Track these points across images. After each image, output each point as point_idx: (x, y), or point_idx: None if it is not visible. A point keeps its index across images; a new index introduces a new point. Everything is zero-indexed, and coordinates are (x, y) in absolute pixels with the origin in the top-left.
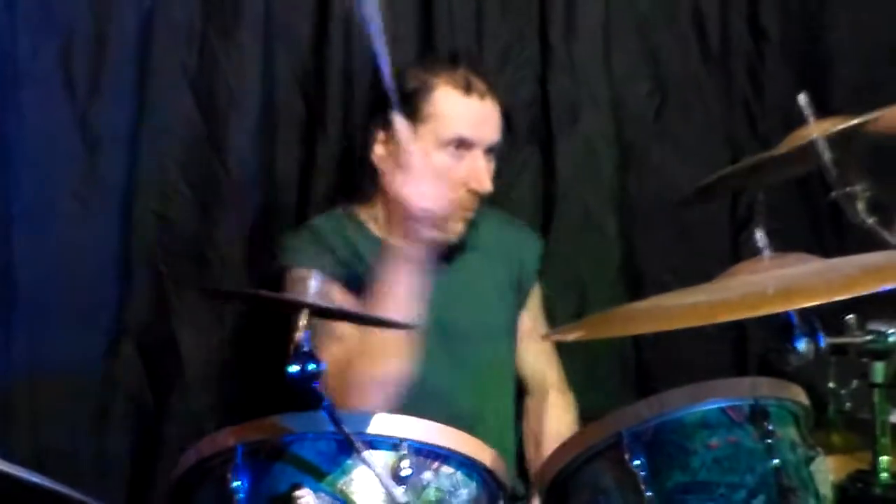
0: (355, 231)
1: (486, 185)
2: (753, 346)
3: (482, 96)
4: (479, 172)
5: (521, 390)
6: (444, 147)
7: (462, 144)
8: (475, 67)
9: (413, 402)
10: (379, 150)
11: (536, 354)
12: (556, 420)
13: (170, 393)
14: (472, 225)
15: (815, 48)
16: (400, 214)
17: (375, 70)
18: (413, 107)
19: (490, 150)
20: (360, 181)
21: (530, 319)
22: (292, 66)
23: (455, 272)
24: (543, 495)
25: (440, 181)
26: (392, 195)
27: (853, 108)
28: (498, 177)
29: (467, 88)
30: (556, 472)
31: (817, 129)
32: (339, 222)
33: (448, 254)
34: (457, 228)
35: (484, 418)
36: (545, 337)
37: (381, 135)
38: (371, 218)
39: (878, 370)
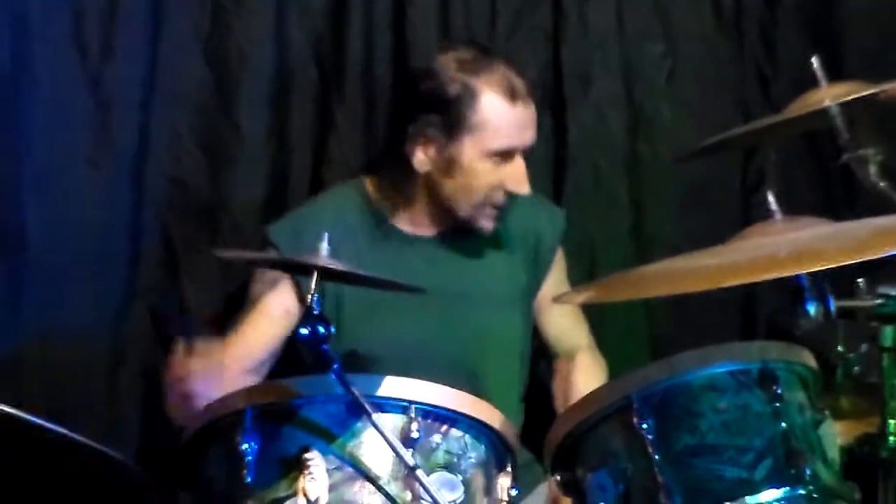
0: (360, 209)
1: (526, 189)
2: (763, 309)
3: (526, 101)
4: (519, 177)
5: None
6: (490, 157)
7: (507, 153)
8: (510, 63)
9: (421, 366)
10: (420, 156)
11: (562, 318)
12: (586, 379)
13: None
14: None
15: (829, 12)
16: (434, 208)
17: (397, 54)
18: (456, 115)
19: (528, 150)
20: (385, 165)
21: (554, 288)
22: (306, 31)
23: (467, 242)
24: (552, 457)
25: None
26: (436, 194)
27: (866, 72)
28: None
29: (513, 95)
30: (565, 434)
31: (829, 94)
32: (343, 201)
33: (467, 239)
34: (490, 225)
35: (490, 384)
36: (556, 299)
37: (421, 139)
38: (387, 201)
39: (888, 334)
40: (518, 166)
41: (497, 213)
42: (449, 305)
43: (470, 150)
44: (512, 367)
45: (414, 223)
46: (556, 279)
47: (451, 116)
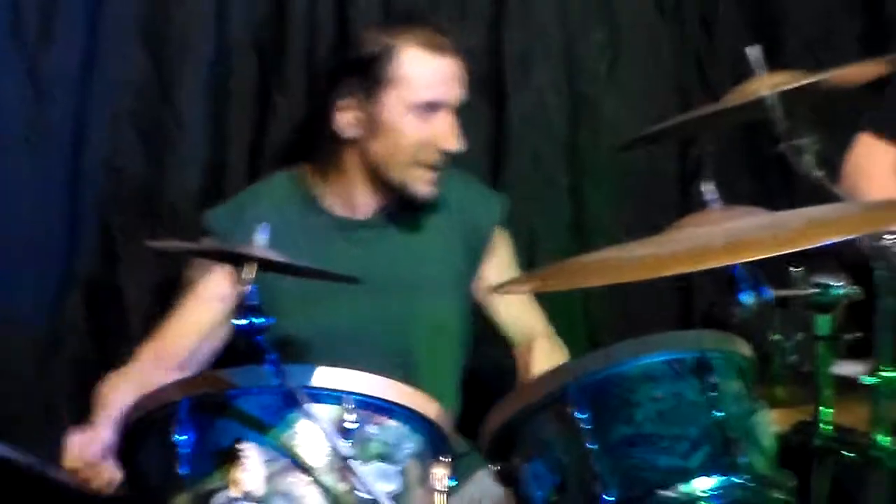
0: (295, 196)
1: (457, 144)
2: (700, 299)
3: (449, 54)
4: (447, 132)
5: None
6: (414, 110)
7: (431, 106)
8: (435, 24)
9: (356, 354)
10: (345, 119)
11: (512, 305)
12: (544, 365)
13: (114, 345)
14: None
15: (770, 1)
16: (368, 181)
17: (339, 41)
18: (376, 72)
19: (456, 109)
20: (318, 147)
21: (497, 273)
22: (246, 16)
23: (404, 226)
24: (487, 448)
25: (411, 145)
26: (367, 161)
27: (806, 60)
28: None
29: (433, 48)
30: (501, 424)
31: (767, 83)
32: (279, 189)
33: (404, 216)
34: (427, 190)
35: (426, 372)
36: (496, 290)
37: (345, 103)
38: (322, 186)
39: (822, 323)
40: (446, 122)
41: (433, 177)
42: (385, 292)
43: (393, 106)
44: (449, 354)
45: (350, 205)
46: (499, 264)
47: (372, 74)
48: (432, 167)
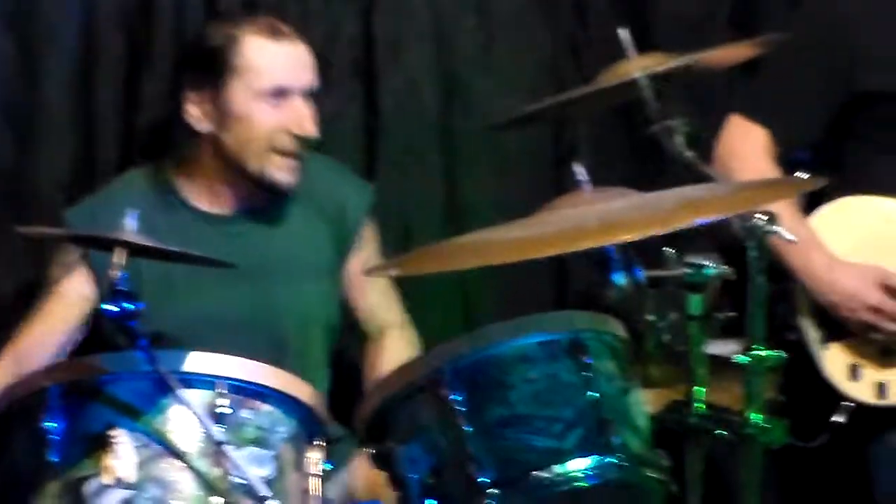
0: (155, 192)
1: (310, 129)
2: (575, 280)
3: (291, 40)
4: (300, 118)
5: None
6: (262, 97)
7: (279, 92)
8: (276, 13)
9: (226, 342)
10: (195, 113)
11: (371, 295)
12: (395, 356)
13: None
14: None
15: None
16: (226, 174)
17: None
18: (221, 62)
19: (309, 95)
20: (176, 142)
21: (362, 262)
22: (114, 4)
23: (271, 216)
24: (363, 432)
25: (263, 133)
26: (222, 154)
27: (676, 42)
28: (320, 116)
29: (275, 34)
30: (376, 407)
31: (638, 64)
32: (135, 187)
33: (267, 208)
34: (286, 177)
35: (296, 359)
36: (369, 272)
37: (194, 96)
38: (183, 181)
39: (695, 302)
40: (298, 107)
41: (291, 164)
42: (253, 280)
43: (240, 95)
44: (319, 340)
45: (213, 199)
46: (366, 254)
47: (217, 65)
48: (289, 154)
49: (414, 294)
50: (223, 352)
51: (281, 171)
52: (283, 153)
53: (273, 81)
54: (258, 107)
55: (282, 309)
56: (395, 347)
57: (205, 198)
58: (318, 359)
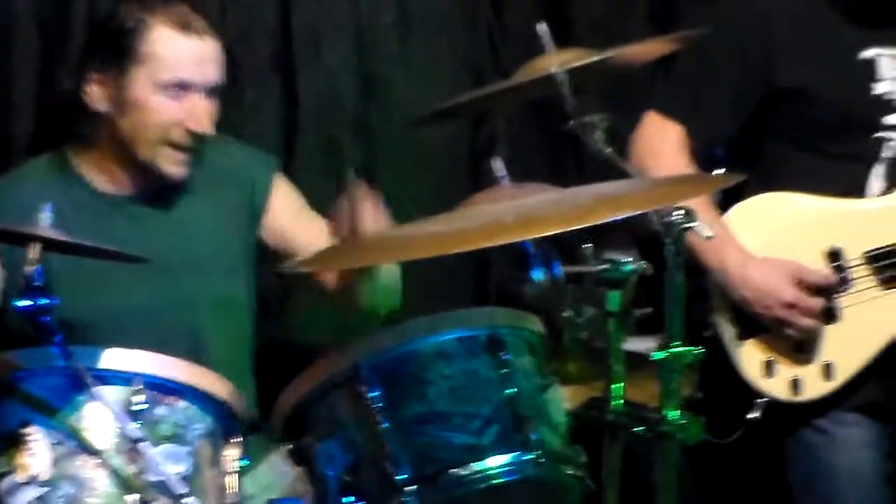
0: (60, 177)
1: (205, 126)
2: (494, 276)
3: (201, 35)
4: (198, 114)
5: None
6: (162, 89)
7: (180, 86)
8: (192, 4)
9: (138, 337)
10: (94, 92)
11: (308, 231)
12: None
13: None
14: (197, 161)
15: None
16: (121, 157)
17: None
18: (127, 47)
19: (212, 91)
20: (79, 122)
21: (287, 208)
22: None
23: (180, 208)
24: (281, 428)
25: (159, 124)
26: (116, 137)
27: (595, 38)
28: (235, 110)
29: (185, 27)
30: (292, 404)
31: (556, 59)
32: (38, 172)
33: (168, 192)
34: (176, 170)
35: (217, 350)
36: (286, 266)
37: (95, 76)
38: (85, 163)
39: (613, 299)
40: (197, 103)
41: (182, 158)
42: (165, 271)
43: (141, 83)
44: (235, 331)
45: (113, 182)
46: (285, 200)
47: (122, 49)
48: (181, 147)
49: None
50: (134, 343)
51: (170, 163)
52: (175, 146)
53: (175, 74)
54: (157, 97)
55: (195, 300)
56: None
57: (106, 179)
58: (237, 351)
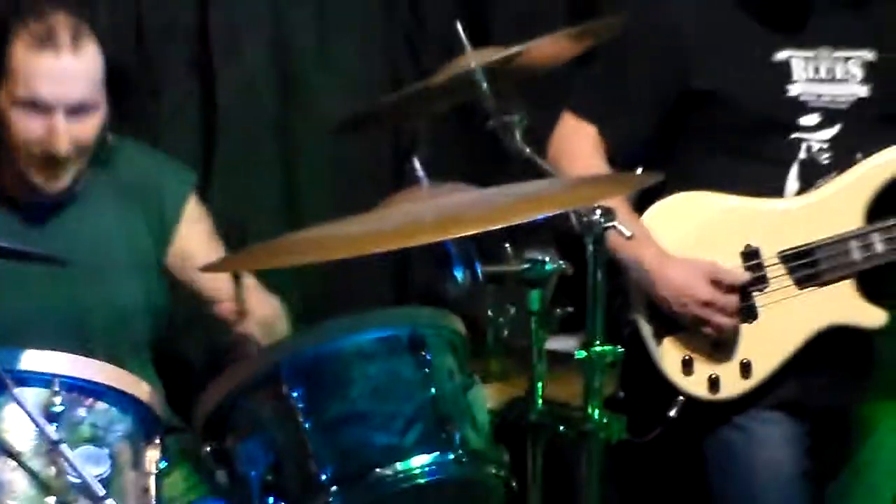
0: None
1: (60, 150)
2: (416, 276)
3: (60, 52)
4: (52, 134)
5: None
6: (20, 105)
7: (36, 105)
8: (77, 14)
9: (39, 340)
10: None
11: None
12: (262, 300)
13: None
14: (105, 168)
15: None
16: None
17: None
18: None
19: (78, 109)
20: None
21: (196, 243)
22: None
23: (78, 207)
24: (201, 429)
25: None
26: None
27: (513, 37)
28: (154, 113)
29: (44, 43)
30: (213, 404)
31: (474, 59)
32: None
33: (61, 201)
34: (47, 184)
35: (126, 353)
36: (203, 269)
37: None
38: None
39: (534, 298)
40: (53, 123)
41: (54, 173)
42: (67, 275)
43: (4, 97)
44: (136, 335)
45: (18, 186)
46: (197, 233)
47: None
48: (47, 163)
49: None
50: (45, 348)
51: (41, 177)
52: (40, 162)
53: (28, 92)
54: (16, 113)
55: (91, 304)
56: (256, 295)
57: (13, 184)
58: (138, 356)
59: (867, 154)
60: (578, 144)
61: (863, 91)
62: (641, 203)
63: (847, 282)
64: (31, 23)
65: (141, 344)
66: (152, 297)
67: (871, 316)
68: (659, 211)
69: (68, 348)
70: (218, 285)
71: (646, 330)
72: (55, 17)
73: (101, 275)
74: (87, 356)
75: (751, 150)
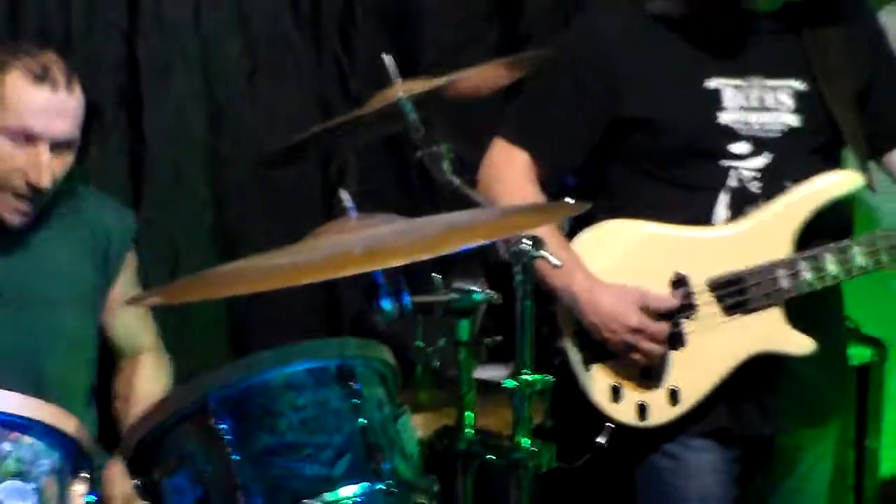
0: None
1: (43, 182)
2: (347, 307)
3: (56, 88)
4: (40, 166)
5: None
6: (6, 135)
7: (26, 135)
8: (63, 55)
9: (4, 372)
10: None
11: (129, 320)
12: (149, 382)
13: None
14: (57, 205)
15: (406, 9)
16: None
17: None
18: None
19: (61, 145)
20: None
21: (122, 288)
22: None
23: (31, 245)
24: (128, 462)
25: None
26: None
27: (442, 67)
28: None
29: (41, 78)
30: (140, 438)
31: (403, 89)
32: None
33: (19, 231)
34: (14, 219)
35: (57, 388)
36: (130, 301)
37: None
38: None
39: (463, 328)
40: (38, 154)
41: (23, 207)
42: (14, 306)
43: None
44: (80, 370)
45: None
46: (126, 280)
47: None
48: (21, 196)
49: (183, 322)
50: None
51: (8, 211)
52: (16, 194)
53: (20, 123)
54: (2, 142)
55: (41, 339)
56: (148, 373)
57: None
58: (79, 389)
59: (797, 183)
60: (510, 170)
61: (792, 120)
62: (577, 228)
63: (775, 310)
64: (23, 57)
65: (85, 380)
66: (96, 334)
67: (799, 344)
68: (589, 238)
69: (18, 381)
70: (131, 331)
71: (575, 356)
72: (48, 56)
73: (51, 307)
74: (36, 388)
75: (681, 177)
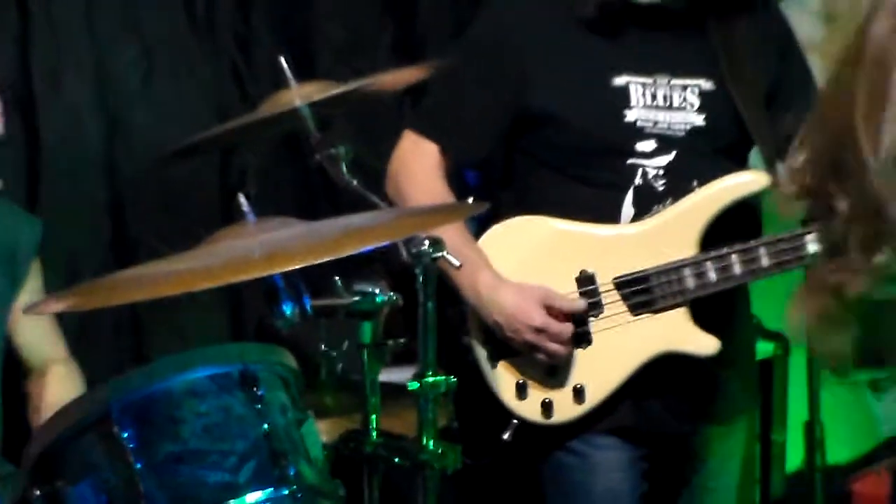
0: None
1: None
2: (249, 312)
3: None
4: None
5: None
6: None
7: None
8: None
9: None
10: None
11: (33, 330)
12: (58, 391)
13: None
14: None
15: (301, 11)
16: None
17: None
18: None
19: None
20: None
21: (27, 297)
22: None
23: None
24: (29, 473)
25: None
26: None
27: (338, 68)
28: None
29: None
30: (42, 448)
31: (300, 92)
32: None
33: None
34: None
35: None
36: (29, 309)
37: None
38: None
39: (366, 330)
40: None
41: None
42: None
43: None
44: None
45: None
46: (31, 289)
47: None
48: None
49: (83, 329)
50: None
51: None
52: None
53: None
54: None
55: None
56: (58, 382)
57: None
58: None
59: (703, 182)
60: (418, 162)
61: (698, 120)
62: (485, 224)
63: (681, 309)
64: None
65: None
66: (2, 343)
67: (704, 344)
68: (495, 235)
69: None
70: (36, 341)
71: (481, 354)
72: None
73: None
74: None
75: (587, 174)
